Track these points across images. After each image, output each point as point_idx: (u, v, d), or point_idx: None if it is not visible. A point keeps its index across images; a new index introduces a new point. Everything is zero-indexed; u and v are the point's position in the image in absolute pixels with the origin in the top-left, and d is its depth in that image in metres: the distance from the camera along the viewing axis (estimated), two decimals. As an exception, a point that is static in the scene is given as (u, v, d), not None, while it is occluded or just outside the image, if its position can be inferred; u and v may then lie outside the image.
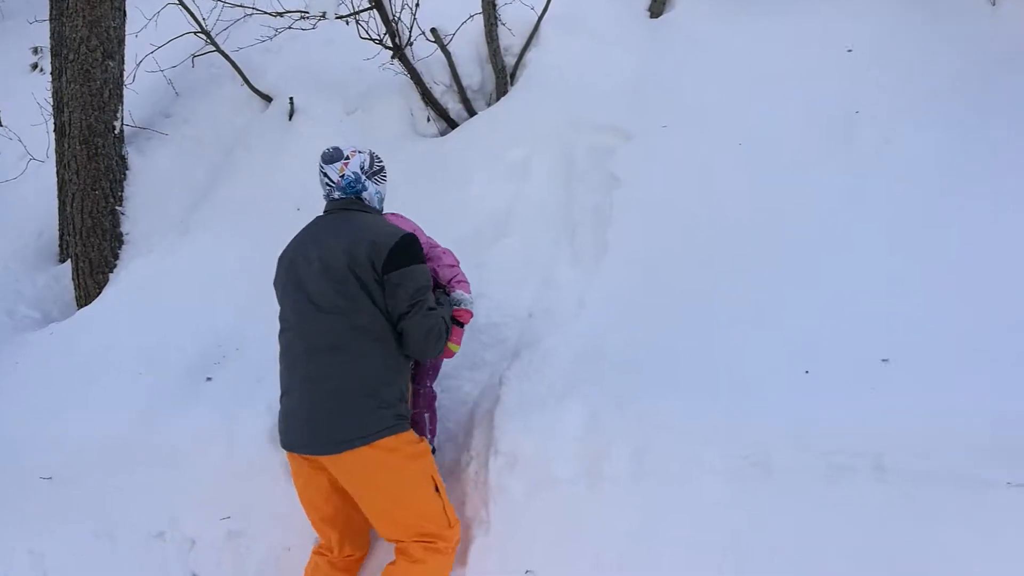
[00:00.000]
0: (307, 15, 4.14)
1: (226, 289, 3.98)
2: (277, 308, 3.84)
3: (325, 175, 2.75)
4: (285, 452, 2.69)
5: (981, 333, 2.51)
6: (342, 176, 2.71)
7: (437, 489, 2.58)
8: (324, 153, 2.76)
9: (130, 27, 4.84)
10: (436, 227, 3.38)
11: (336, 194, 2.75)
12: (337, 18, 4.13)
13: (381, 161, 2.84)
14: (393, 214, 3.09)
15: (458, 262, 3.04)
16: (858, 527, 2.34)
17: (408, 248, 2.54)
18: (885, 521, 2.31)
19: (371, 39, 4.41)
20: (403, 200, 4.17)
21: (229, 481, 3.12)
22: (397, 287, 2.49)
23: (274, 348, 3.46)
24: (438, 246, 3.06)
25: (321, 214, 2.81)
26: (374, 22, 4.55)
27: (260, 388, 3.29)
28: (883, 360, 2.51)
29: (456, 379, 3.33)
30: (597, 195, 3.87)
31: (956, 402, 2.33)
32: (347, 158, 2.72)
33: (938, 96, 3.58)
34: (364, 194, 2.75)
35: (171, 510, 3.20)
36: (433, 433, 2.91)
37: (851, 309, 2.76)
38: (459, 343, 2.85)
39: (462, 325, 2.88)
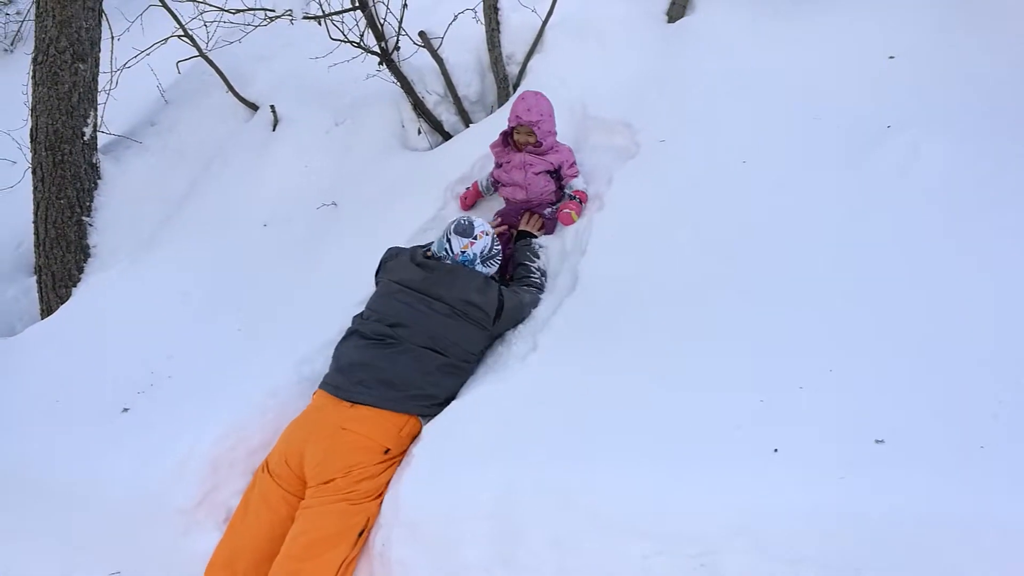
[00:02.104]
0: (272, 13, 3.78)
1: (172, 312, 3.66)
2: (221, 332, 3.51)
3: (449, 243, 2.96)
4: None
5: (1012, 413, 1.89)
6: (463, 252, 2.95)
7: (361, 534, 2.42)
8: (458, 224, 2.97)
9: (116, 32, 4.65)
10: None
11: (448, 261, 2.96)
12: (306, 18, 3.77)
13: (498, 245, 3.09)
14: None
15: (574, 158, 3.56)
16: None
17: (502, 301, 2.88)
18: (865, 660, 1.73)
19: (350, 42, 4.04)
20: (380, 216, 3.82)
21: (124, 531, 2.75)
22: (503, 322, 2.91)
23: (199, 378, 3.14)
24: (562, 146, 3.53)
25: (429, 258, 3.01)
26: (359, 26, 4.20)
27: (172, 423, 2.92)
28: (877, 441, 1.93)
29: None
30: (581, 220, 3.39)
31: (973, 505, 1.73)
32: (475, 238, 2.96)
33: (970, 109, 2.96)
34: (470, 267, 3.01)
35: (64, 560, 2.84)
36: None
37: (844, 369, 2.18)
38: (580, 214, 3.39)
39: (581, 202, 3.42)
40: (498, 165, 3.58)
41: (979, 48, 3.50)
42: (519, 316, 2.96)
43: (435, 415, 2.63)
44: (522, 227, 3.40)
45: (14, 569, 2.91)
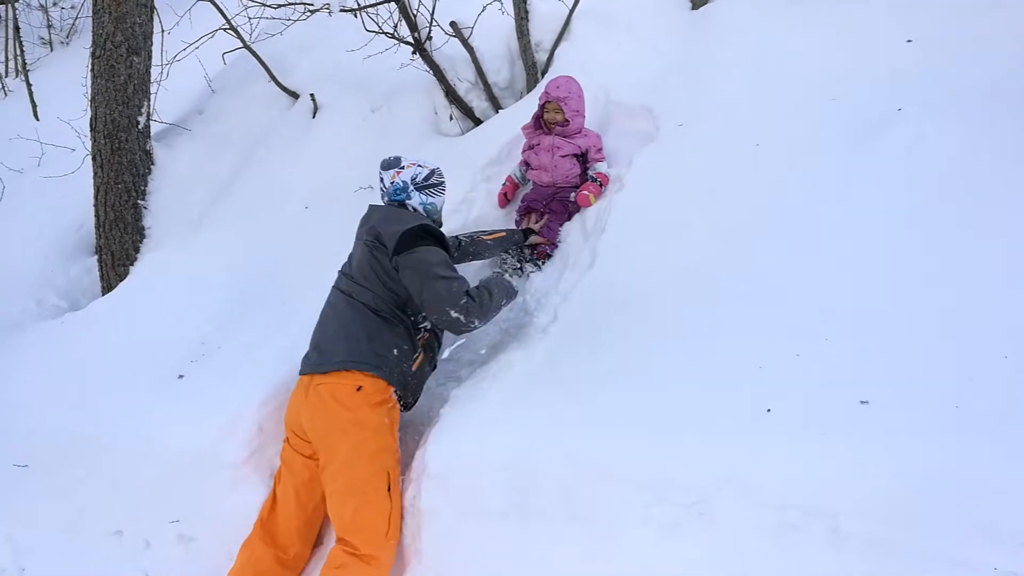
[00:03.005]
0: (311, 7, 4.01)
1: (220, 288, 3.94)
2: (265, 305, 3.80)
3: (380, 180, 3.01)
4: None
5: (982, 377, 2.04)
6: (392, 183, 2.96)
7: (389, 488, 2.58)
8: (384, 160, 3.01)
9: (167, 27, 4.93)
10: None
11: (385, 199, 3.01)
12: (342, 11, 3.99)
13: (441, 177, 3.04)
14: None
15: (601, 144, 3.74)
16: (811, 600, 1.95)
17: (413, 236, 2.74)
18: (841, 597, 1.91)
19: (384, 33, 4.26)
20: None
21: (179, 484, 3.04)
22: (406, 269, 2.71)
23: (246, 347, 3.41)
24: (591, 132, 3.73)
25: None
26: (393, 17, 4.42)
27: (223, 388, 3.19)
28: (862, 402, 2.10)
29: (426, 397, 3.15)
30: (601, 200, 3.57)
31: (940, 463, 1.89)
32: (401, 168, 2.96)
33: (982, 92, 3.07)
34: (408, 203, 2.97)
35: (129, 509, 3.14)
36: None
37: (839, 339, 2.34)
38: (599, 197, 3.52)
39: (602, 185, 3.55)
40: (529, 147, 3.77)
41: (997, 32, 3.57)
42: (428, 281, 2.66)
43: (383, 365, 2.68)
44: (524, 226, 3.58)
45: (86, 517, 3.23)
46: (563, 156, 3.60)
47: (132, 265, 4.54)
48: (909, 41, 3.71)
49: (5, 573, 3.34)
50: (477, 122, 4.69)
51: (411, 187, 2.95)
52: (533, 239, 3.48)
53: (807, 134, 3.27)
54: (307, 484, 2.78)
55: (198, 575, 3.00)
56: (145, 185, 4.66)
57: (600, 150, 3.68)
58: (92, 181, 4.84)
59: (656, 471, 2.17)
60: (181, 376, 3.42)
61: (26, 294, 4.70)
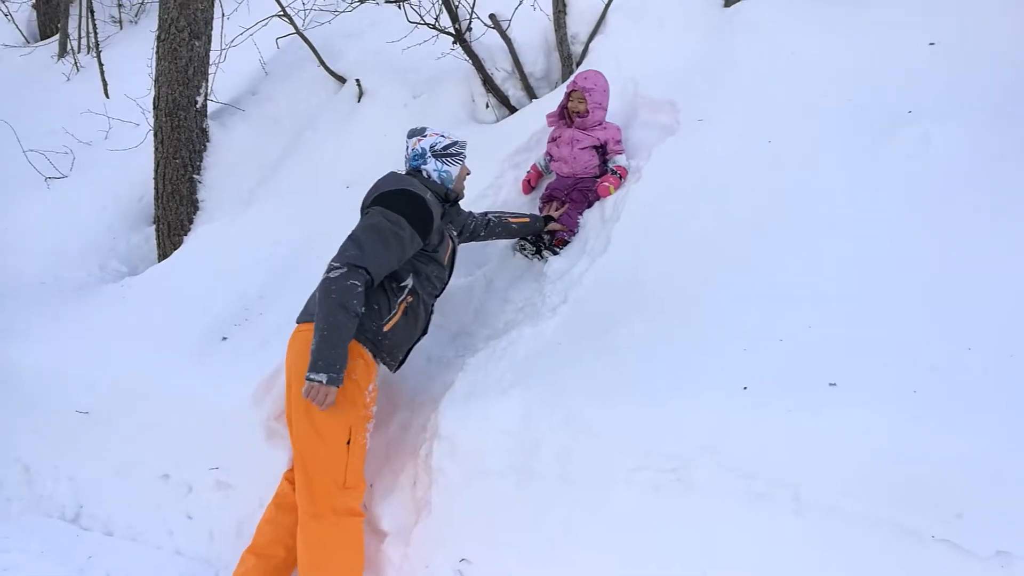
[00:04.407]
0: None
1: (266, 258, 4.24)
2: (305, 276, 4.09)
3: (406, 148, 3.13)
4: None
5: (944, 365, 2.20)
6: (412, 150, 3.08)
7: (349, 442, 2.66)
8: (411, 129, 3.15)
9: (227, 12, 5.25)
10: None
11: (406, 165, 3.12)
12: (388, 2, 4.23)
13: (461, 148, 3.13)
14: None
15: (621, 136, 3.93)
16: (774, 560, 2.15)
17: (392, 196, 2.80)
18: (800, 559, 2.11)
19: (425, 24, 4.49)
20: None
21: (219, 435, 3.35)
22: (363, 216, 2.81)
23: (286, 314, 3.70)
24: (610, 124, 3.90)
25: None
26: (435, 8, 4.64)
27: (262, 351, 3.49)
28: (831, 384, 2.27)
29: (444, 366, 3.40)
30: (621, 191, 3.76)
31: (894, 440, 2.06)
32: (424, 136, 3.08)
33: (995, 95, 3.16)
34: (424, 168, 3.06)
35: (174, 456, 3.48)
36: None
37: (821, 326, 2.51)
38: (617, 188, 3.71)
39: (621, 177, 3.75)
40: (552, 139, 3.97)
41: (1017, 34, 3.64)
42: (353, 232, 2.73)
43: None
44: (545, 212, 3.77)
45: (137, 462, 3.58)
46: (582, 149, 3.79)
47: (186, 235, 4.89)
48: (932, 44, 3.79)
49: (67, 508, 3.71)
50: (512, 110, 4.89)
51: (428, 153, 3.04)
52: (552, 226, 3.68)
53: (819, 133, 3.40)
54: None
55: (233, 519, 3.33)
56: (200, 161, 4.99)
57: (619, 142, 3.85)
58: (153, 156, 5.20)
59: (641, 439, 2.38)
60: (225, 338, 3.73)
61: (92, 259, 5.08)
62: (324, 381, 2.51)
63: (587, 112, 3.76)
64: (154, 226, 5.12)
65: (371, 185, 3.02)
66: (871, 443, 2.06)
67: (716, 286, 2.89)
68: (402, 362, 3.04)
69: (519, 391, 2.69)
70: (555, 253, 3.65)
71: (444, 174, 3.08)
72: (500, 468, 2.64)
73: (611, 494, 2.42)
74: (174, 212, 4.88)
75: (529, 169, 4.09)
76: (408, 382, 3.35)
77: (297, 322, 2.92)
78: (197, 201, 4.95)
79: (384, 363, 2.92)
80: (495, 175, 4.12)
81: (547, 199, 3.88)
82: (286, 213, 4.54)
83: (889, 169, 3.08)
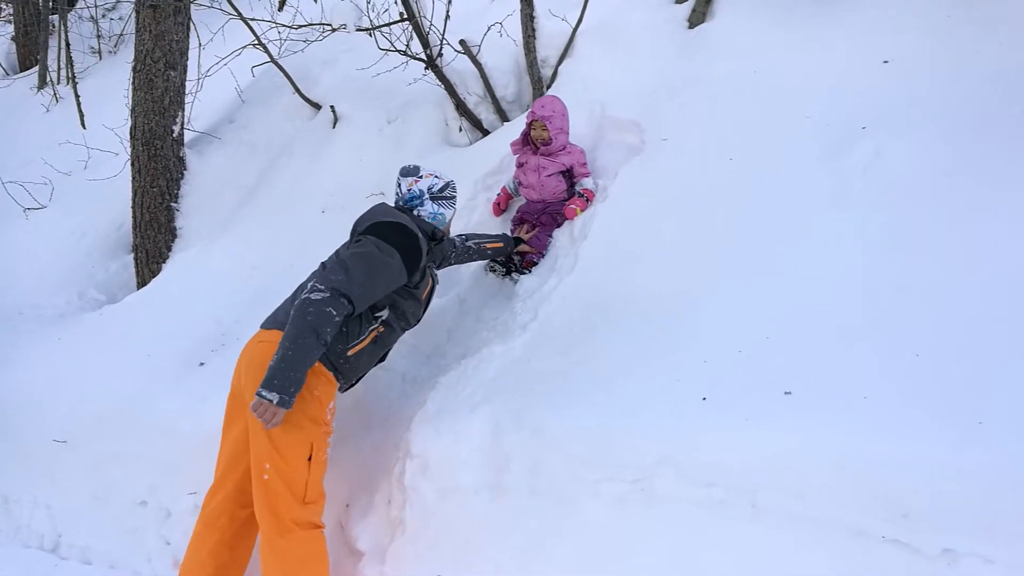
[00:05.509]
0: (328, 28, 4.36)
1: (242, 284, 4.30)
2: (278, 301, 4.14)
3: (398, 185, 3.11)
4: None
5: (893, 372, 2.28)
6: (408, 190, 3.07)
7: (310, 459, 2.66)
8: (404, 167, 3.13)
9: (202, 41, 5.33)
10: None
11: (399, 202, 3.10)
12: (359, 31, 4.33)
13: (454, 191, 3.16)
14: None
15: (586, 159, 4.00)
16: (734, 566, 2.21)
17: (388, 227, 2.78)
18: (759, 563, 2.17)
19: (397, 51, 4.59)
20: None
21: (197, 459, 3.38)
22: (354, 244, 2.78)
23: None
24: (574, 147, 3.96)
25: None
26: (405, 35, 4.75)
27: (239, 376, 3.54)
28: (786, 393, 2.35)
29: (419, 386, 3.46)
30: (588, 210, 3.85)
31: (844, 445, 2.14)
32: (420, 177, 3.08)
33: (944, 111, 3.28)
34: (419, 210, 3.07)
35: (152, 481, 3.50)
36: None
37: (779, 337, 2.60)
38: (584, 210, 3.77)
39: (588, 200, 3.82)
40: (519, 165, 4.06)
41: (969, 52, 3.77)
42: (341, 257, 2.71)
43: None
44: (515, 234, 3.85)
45: (115, 488, 3.60)
46: (548, 176, 3.87)
47: (164, 263, 4.94)
48: (885, 62, 3.92)
49: (45, 538, 3.73)
50: (485, 133, 4.98)
51: (426, 196, 3.05)
52: (521, 248, 3.76)
53: (778, 150, 3.51)
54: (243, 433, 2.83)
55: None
56: (178, 189, 5.06)
57: (584, 164, 3.94)
58: (131, 185, 5.26)
59: (605, 452, 2.45)
60: (202, 364, 3.78)
61: (71, 287, 5.13)
62: (275, 402, 2.49)
63: (550, 139, 3.85)
64: (132, 254, 5.17)
65: (362, 213, 3.00)
66: (826, 448, 2.14)
67: (679, 300, 2.98)
68: (353, 385, 3.04)
69: (488, 408, 2.75)
70: (525, 274, 3.72)
71: (439, 216, 3.10)
72: (472, 484, 2.70)
73: (579, 506, 2.48)
74: (152, 240, 4.93)
75: (499, 192, 4.18)
76: (382, 402, 3.40)
77: (262, 327, 2.90)
78: (175, 229, 5.01)
79: (337, 381, 2.87)
80: (468, 196, 4.20)
81: (518, 221, 3.96)
82: (263, 239, 4.60)
83: (844, 185, 3.19)
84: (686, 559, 2.29)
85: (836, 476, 2.08)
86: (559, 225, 3.87)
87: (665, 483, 2.33)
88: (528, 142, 4.00)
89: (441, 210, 3.11)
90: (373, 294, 2.73)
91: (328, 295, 2.56)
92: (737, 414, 2.32)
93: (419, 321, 3.14)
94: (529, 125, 3.95)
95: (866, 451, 2.09)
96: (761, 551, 2.17)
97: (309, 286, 2.64)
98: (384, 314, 2.88)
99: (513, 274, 3.75)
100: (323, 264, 2.86)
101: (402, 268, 2.77)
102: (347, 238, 2.99)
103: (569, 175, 3.94)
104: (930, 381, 2.25)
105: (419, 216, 3.07)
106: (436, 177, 3.10)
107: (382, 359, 3.09)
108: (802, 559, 2.11)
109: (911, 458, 2.03)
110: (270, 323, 2.90)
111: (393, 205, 3.11)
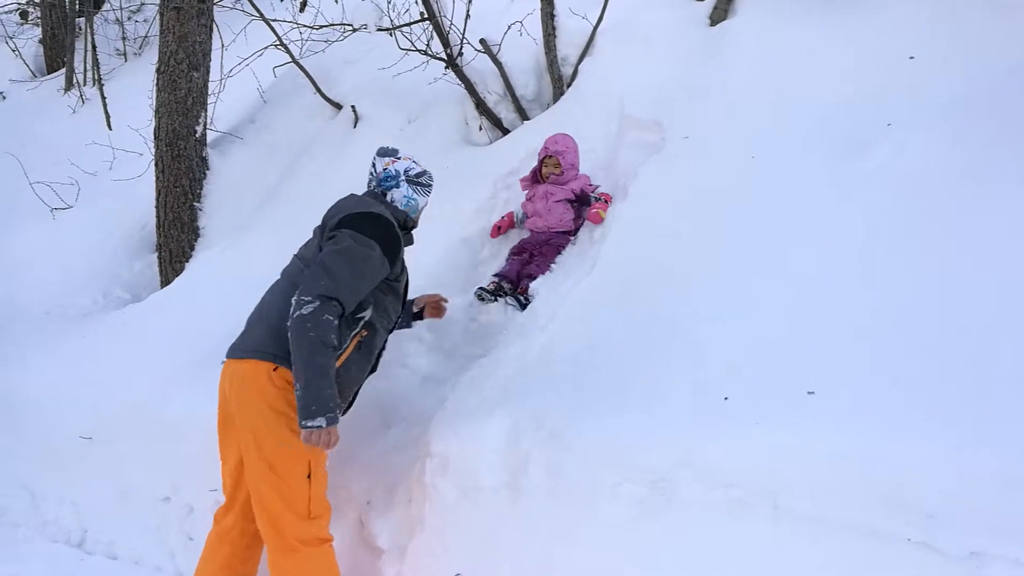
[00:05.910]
0: (350, 27, 4.38)
1: (264, 283, 4.29)
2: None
3: (373, 166, 2.99)
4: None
5: (923, 371, 2.25)
6: (384, 170, 2.95)
7: (310, 476, 2.59)
8: (381, 148, 3.04)
9: (225, 42, 5.38)
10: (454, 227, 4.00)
11: (371, 184, 2.98)
12: (379, 30, 4.35)
13: (430, 180, 3.03)
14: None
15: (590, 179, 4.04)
16: (754, 568, 2.19)
17: (362, 218, 2.67)
18: (780, 566, 2.15)
19: (416, 50, 4.60)
20: (438, 203, 4.36)
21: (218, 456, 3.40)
22: (327, 242, 2.66)
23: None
24: (581, 175, 3.99)
25: None
26: (425, 34, 4.76)
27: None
28: (809, 392, 2.32)
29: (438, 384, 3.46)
30: (609, 209, 3.84)
31: (868, 446, 2.11)
32: (397, 158, 2.97)
33: (970, 107, 3.23)
34: (393, 192, 2.93)
35: (175, 478, 3.54)
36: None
37: (796, 334, 2.57)
38: (606, 212, 3.77)
39: (607, 202, 3.85)
40: (528, 199, 4.02)
41: (996, 46, 3.71)
42: (322, 257, 2.58)
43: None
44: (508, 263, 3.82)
45: (138, 484, 3.64)
46: (556, 201, 3.86)
47: (187, 262, 4.99)
48: (911, 58, 3.86)
49: (72, 533, 3.78)
50: (505, 132, 4.99)
51: (402, 177, 2.92)
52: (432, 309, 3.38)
53: (800, 148, 3.48)
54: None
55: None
56: (201, 189, 5.11)
57: (590, 183, 4.02)
58: (154, 185, 5.32)
59: (623, 454, 2.43)
60: (223, 361, 3.80)
61: (96, 287, 5.19)
62: (324, 426, 2.44)
63: (562, 173, 3.88)
64: (156, 253, 5.23)
65: (332, 204, 2.89)
66: (847, 450, 2.11)
67: (698, 302, 2.95)
68: (351, 404, 2.90)
69: (507, 409, 2.74)
70: (519, 301, 3.62)
71: (412, 202, 2.96)
72: (492, 484, 2.69)
73: (597, 508, 2.46)
74: (175, 239, 4.98)
75: (503, 216, 4.13)
76: (403, 401, 3.41)
77: (228, 356, 2.80)
78: (198, 228, 5.06)
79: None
80: (487, 196, 4.20)
81: (517, 251, 3.90)
82: (284, 238, 4.58)
83: (866, 183, 3.15)
84: (706, 562, 2.27)
85: (860, 477, 2.05)
86: (559, 252, 3.86)
87: (683, 485, 2.31)
88: (538, 180, 3.99)
89: (415, 196, 2.96)
90: (360, 291, 2.63)
91: (318, 303, 2.47)
92: (759, 415, 2.29)
93: (399, 316, 2.99)
94: (541, 162, 3.94)
95: (891, 451, 2.05)
96: (782, 553, 2.14)
97: (295, 300, 2.51)
98: (367, 314, 2.74)
99: (507, 299, 3.66)
100: (297, 259, 2.85)
101: (383, 259, 2.67)
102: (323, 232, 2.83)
103: (577, 202, 3.93)
104: (952, 382, 2.21)
105: (392, 201, 2.93)
106: (414, 162, 2.99)
107: (373, 369, 2.95)
108: (825, 561, 2.08)
109: (936, 459, 1.99)
110: (234, 347, 2.82)
111: (366, 188, 3.01)
